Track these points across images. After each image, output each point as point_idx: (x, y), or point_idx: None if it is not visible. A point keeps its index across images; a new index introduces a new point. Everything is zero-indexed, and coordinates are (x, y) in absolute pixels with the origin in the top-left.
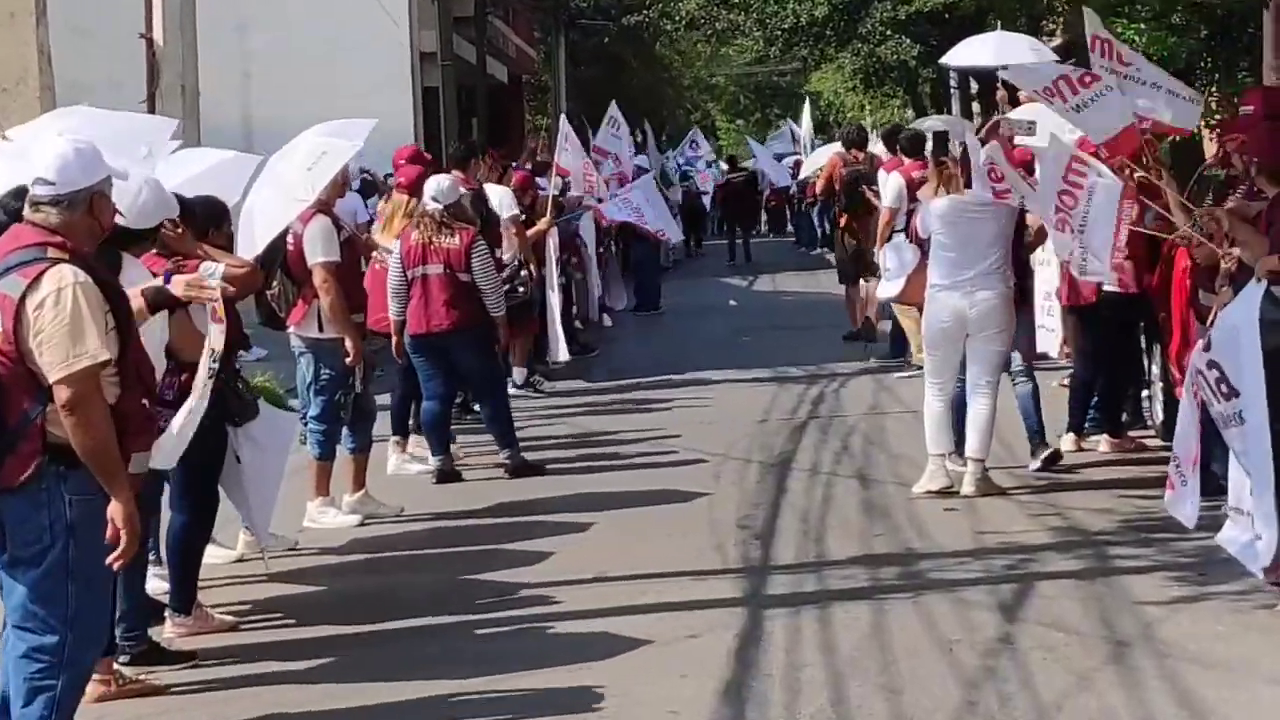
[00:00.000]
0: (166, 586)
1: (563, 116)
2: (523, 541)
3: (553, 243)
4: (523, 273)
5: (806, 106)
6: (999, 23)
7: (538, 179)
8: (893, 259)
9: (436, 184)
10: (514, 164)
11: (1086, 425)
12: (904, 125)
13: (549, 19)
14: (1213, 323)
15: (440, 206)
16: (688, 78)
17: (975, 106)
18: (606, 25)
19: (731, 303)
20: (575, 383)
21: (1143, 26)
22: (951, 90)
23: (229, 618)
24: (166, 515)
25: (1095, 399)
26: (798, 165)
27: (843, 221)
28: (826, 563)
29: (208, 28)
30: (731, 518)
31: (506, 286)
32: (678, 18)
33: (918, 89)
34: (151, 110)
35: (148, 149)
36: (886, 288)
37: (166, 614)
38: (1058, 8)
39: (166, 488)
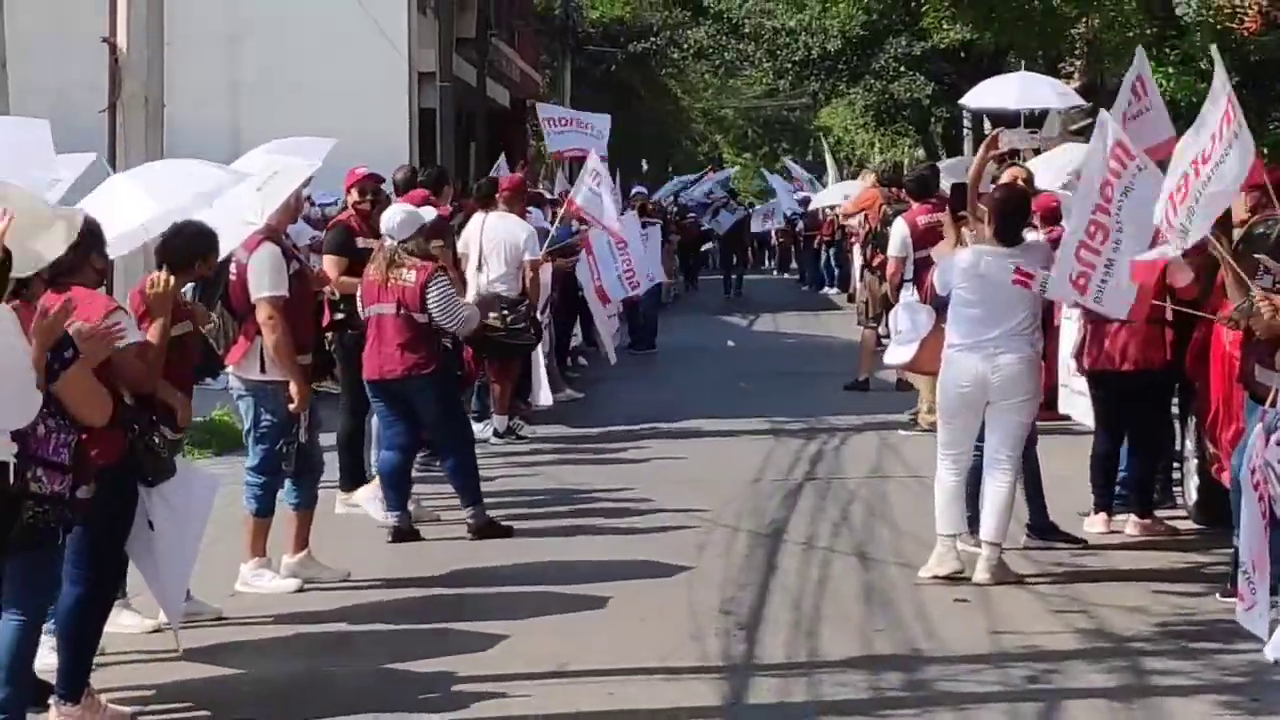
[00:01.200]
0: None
1: (594, 151)
2: (476, 620)
3: (543, 281)
4: (534, 315)
5: (826, 145)
6: (1022, 62)
7: (530, 209)
8: (904, 320)
9: (388, 215)
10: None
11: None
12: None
13: (555, 43)
14: (1275, 402)
15: (394, 241)
16: (695, 110)
17: None
18: (613, 52)
19: (730, 343)
20: (558, 428)
21: (1170, 71)
22: (965, 131)
23: (125, 709)
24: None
25: (1122, 474)
26: (804, 203)
27: (876, 262)
28: (819, 664)
29: (197, 39)
30: (714, 600)
31: (522, 325)
32: (686, 45)
33: (930, 128)
34: (112, 121)
35: None
36: (896, 353)
37: (51, 701)
38: (1076, 49)
39: None
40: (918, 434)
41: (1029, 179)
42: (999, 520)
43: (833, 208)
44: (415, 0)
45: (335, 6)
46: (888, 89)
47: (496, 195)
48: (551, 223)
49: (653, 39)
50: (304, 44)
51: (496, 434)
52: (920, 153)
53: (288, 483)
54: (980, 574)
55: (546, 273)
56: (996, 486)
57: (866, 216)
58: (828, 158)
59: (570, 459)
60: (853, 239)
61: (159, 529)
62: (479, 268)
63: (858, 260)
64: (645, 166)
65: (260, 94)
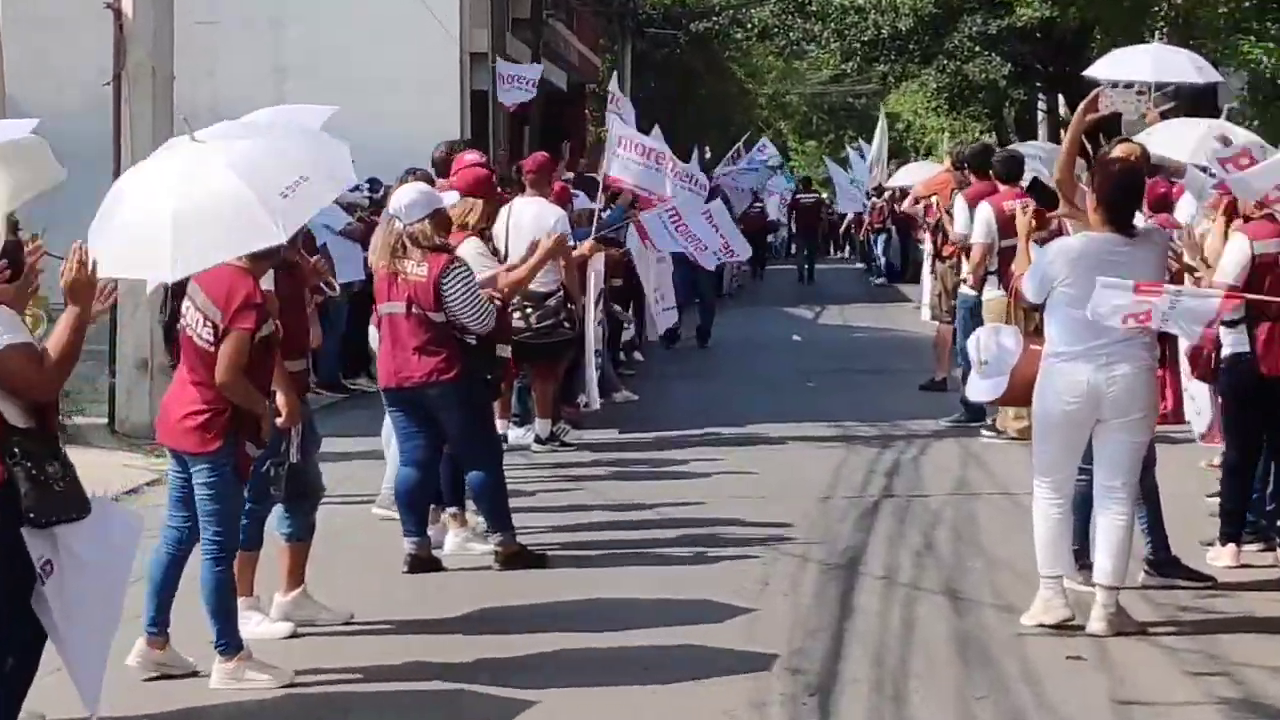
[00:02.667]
0: None
1: (612, 115)
2: (494, 684)
3: (595, 270)
4: (570, 306)
5: (881, 122)
6: (1141, 37)
7: (577, 193)
8: (989, 346)
9: (398, 194)
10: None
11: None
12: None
13: (614, 25)
14: None
15: (402, 226)
16: (760, 94)
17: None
18: (675, 35)
19: (795, 338)
20: (607, 433)
21: (1271, 46)
22: (1040, 115)
23: None
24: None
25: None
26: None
27: (947, 251)
28: None
29: (243, 20)
30: (779, 653)
31: (550, 322)
32: (750, 25)
33: (1003, 112)
34: (117, 95)
35: None
36: (982, 387)
37: None
38: (1160, 25)
39: None
40: (1004, 441)
41: (1144, 156)
42: (1116, 561)
43: (880, 193)
44: None
45: None
46: (961, 70)
47: (522, 177)
48: (605, 208)
49: (715, 18)
50: (352, 25)
51: (539, 441)
52: (993, 138)
53: (279, 510)
54: (1096, 623)
55: (599, 262)
56: (1112, 520)
57: (937, 203)
58: (876, 139)
59: (618, 471)
60: (922, 227)
61: (66, 586)
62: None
63: (927, 249)
64: (709, 154)
65: (307, 77)
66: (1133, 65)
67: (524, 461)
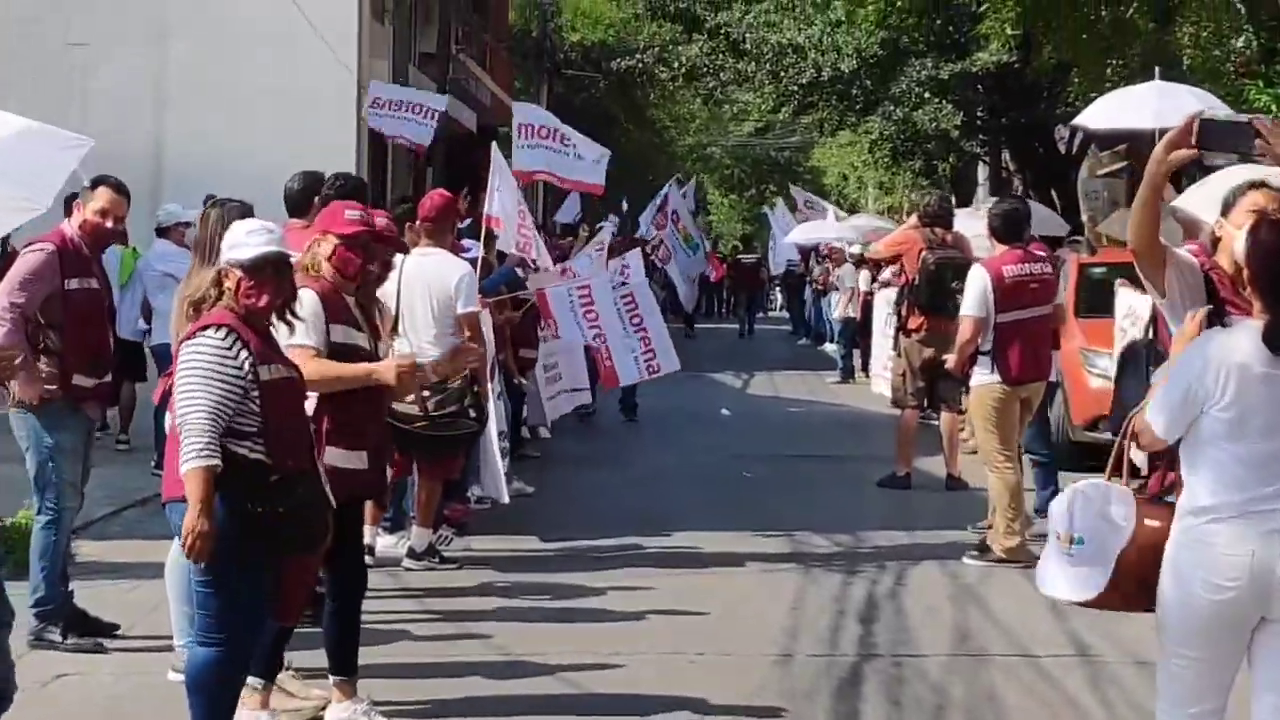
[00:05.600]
0: None
1: (494, 145)
2: None
3: (483, 333)
4: (476, 390)
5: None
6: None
7: (469, 242)
8: (1083, 515)
9: (231, 237)
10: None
11: None
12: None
13: (528, 62)
14: None
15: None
16: (680, 144)
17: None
18: (595, 78)
19: (724, 412)
20: (498, 541)
21: None
22: (982, 168)
23: None
24: None
25: None
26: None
27: (915, 324)
28: None
29: (117, 38)
30: None
31: (453, 409)
32: (677, 65)
33: (939, 169)
34: None
35: None
36: (1069, 581)
37: None
38: (1133, 60)
39: None
40: (991, 565)
41: None
42: None
43: (821, 253)
44: (368, 4)
45: (274, 6)
46: (909, 117)
47: (419, 225)
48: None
49: (639, 56)
50: (238, 47)
51: (412, 554)
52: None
53: None
54: None
55: (487, 325)
56: None
57: (902, 266)
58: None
59: (511, 607)
60: (819, 286)
61: None
62: (395, 329)
63: (880, 318)
64: (625, 206)
65: (189, 101)
66: (1133, 109)
67: (391, 584)
